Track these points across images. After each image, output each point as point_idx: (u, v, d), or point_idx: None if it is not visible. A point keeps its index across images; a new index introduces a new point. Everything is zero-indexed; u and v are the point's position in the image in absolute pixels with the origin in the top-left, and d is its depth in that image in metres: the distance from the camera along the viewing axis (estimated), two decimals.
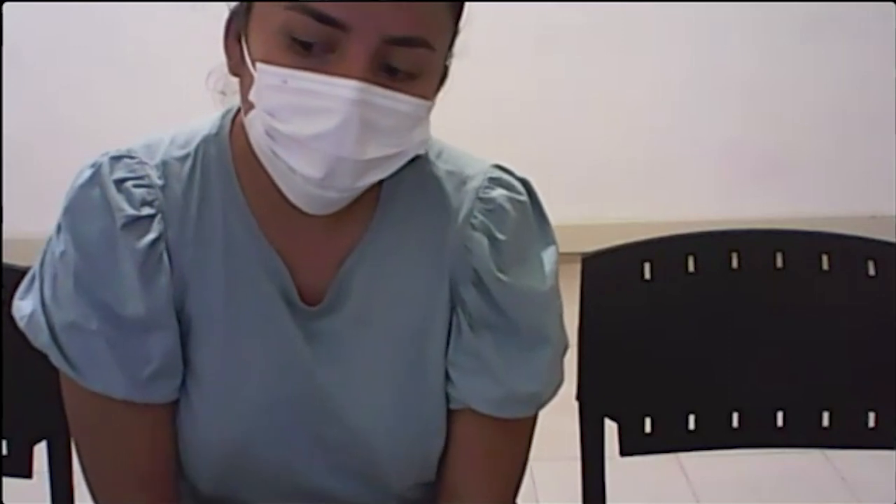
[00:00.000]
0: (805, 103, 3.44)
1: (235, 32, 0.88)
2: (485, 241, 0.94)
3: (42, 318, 0.91)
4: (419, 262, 0.95)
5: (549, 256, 0.98)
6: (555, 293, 0.98)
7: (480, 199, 0.95)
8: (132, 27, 3.16)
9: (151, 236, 0.90)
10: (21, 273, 1.14)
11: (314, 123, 0.80)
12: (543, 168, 3.47)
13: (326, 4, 0.79)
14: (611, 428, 1.24)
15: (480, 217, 0.95)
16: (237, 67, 0.88)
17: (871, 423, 1.27)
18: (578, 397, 1.24)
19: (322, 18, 0.79)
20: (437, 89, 0.90)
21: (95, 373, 0.90)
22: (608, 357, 1.24)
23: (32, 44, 3.12)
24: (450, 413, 0.97)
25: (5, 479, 1.16)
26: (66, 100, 3.23)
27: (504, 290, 0.94)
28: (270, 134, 0.83)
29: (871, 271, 1.24)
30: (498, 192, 0.96)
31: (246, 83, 0.85)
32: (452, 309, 0.95)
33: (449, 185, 0.96)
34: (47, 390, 1.15)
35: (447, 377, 0.96)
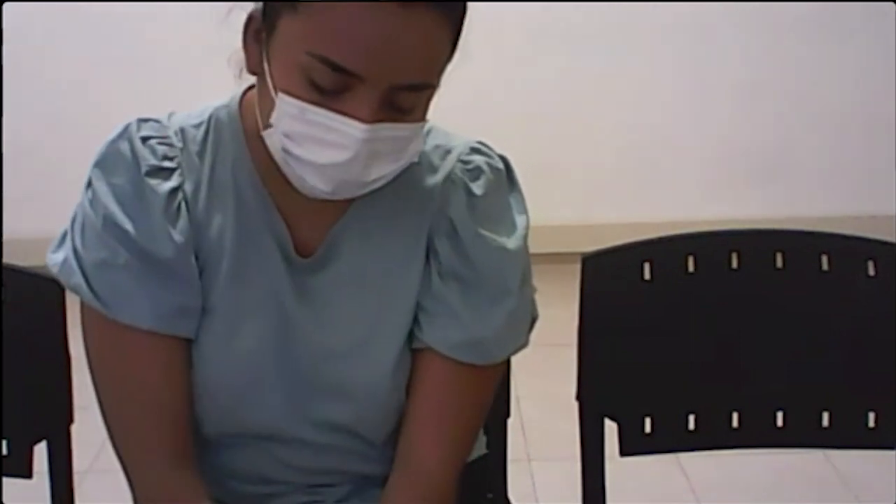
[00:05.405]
0: (805, 103, 3.43)
1: (254, 35, 0.94)
2: (462, 195, 1.02)
3: (74, 262, 0.97)
4: (404, 225, 1.02)
5: (521, 221, 1.04)
6: (522, 256, 1.03)
7: (461, 160, 1.04)
8: (132, 26, 3.16)
9: (172, 184, 0.98)
10: (21, 273, 1.15)
11: (326, 153, 0.90)
12: (543, 169, 3.48)
13: (344, 57, 0.86)
14: (611, 428, 1.24)
15: (460, 175, 1.03)
16: (256, 68, 0.94)
17: (871, 423, 1.27)
18: (578, 397, 1.24)
19: (338, 69, 0.86)
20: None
21: (123, 305, 0.97)
22: (608, 357, 1.24)
23: (33, 44, 3.12)
24: (411, 354, 1.03)
25: (5, 479, 1.16)
26: (67, 100, 3.23)
27: (475, 242, 1.00)
28: (286, 151, 0.92)
29: (871, 271, 1.24)
30: (478, 157, 1.04)
31: (264, 93, 0.93)
32: (427, 260, 1.02)
33: (435, 157, 1.04)
34: (47, 390, 1.16)
35: (414, 320, 1.02)
